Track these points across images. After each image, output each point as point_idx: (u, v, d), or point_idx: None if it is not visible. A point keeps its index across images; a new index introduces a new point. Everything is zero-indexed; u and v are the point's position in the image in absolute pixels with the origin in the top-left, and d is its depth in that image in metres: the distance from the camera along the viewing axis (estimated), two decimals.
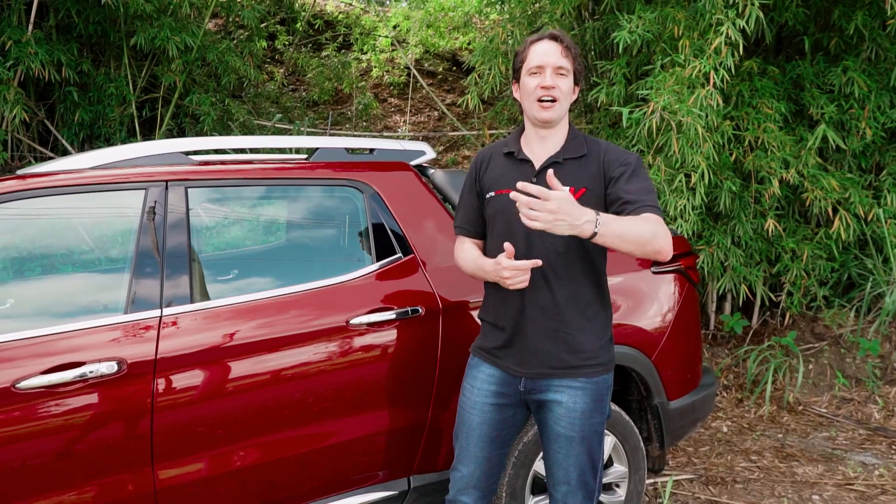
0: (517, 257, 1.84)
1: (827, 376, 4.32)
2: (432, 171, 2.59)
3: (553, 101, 1.84)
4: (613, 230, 1.61)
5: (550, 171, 1.60)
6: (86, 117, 5.11)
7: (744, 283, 4.36)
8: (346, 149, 2.41)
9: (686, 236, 3.82)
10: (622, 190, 1.79)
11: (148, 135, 5.57)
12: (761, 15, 3.58)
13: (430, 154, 2.57)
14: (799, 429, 3.93)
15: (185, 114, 5.76)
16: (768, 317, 4.78)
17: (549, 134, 1.91)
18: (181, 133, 5.85)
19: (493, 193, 1.94)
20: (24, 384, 1.74)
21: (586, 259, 1.86)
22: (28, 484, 1.75)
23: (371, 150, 2.47)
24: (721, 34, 3.50)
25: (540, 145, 1.92)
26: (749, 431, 3.90)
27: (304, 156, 2.45)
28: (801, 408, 4.15)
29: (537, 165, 1.90)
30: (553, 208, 1.52)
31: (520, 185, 1.57)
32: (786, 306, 4.49)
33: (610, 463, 2.58)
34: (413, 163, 2.52)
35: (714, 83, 3.53)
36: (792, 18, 4.17)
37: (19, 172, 2.06)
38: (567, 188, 1.81)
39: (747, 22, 3.52)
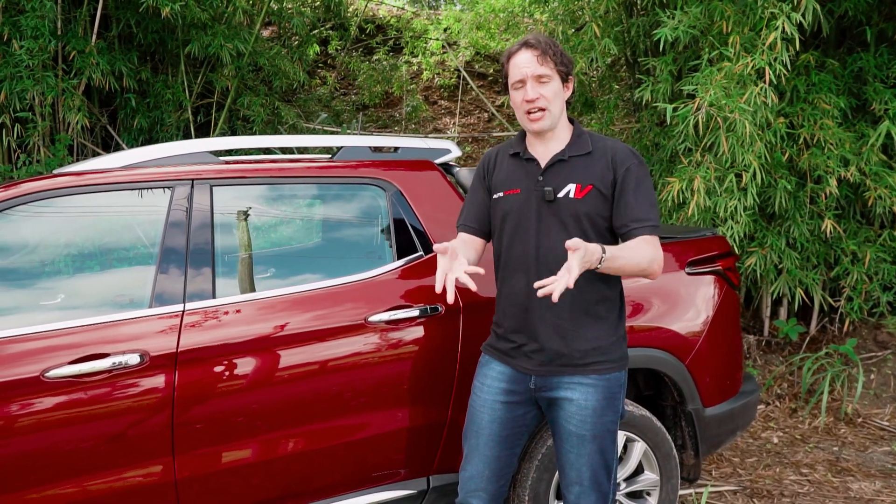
0: (525, 256, 1.86)
1: (890, 387, 4.06)
2: (457, 169, 2.58)
3: (541, 110, 1.83)
4: (614, 265, 1.70)
5: (571, 243, 1.58)
6: (144, 123, 5.34)
7: (800, 286, 4.15)
8: (370, 147, 2.43)
9: (737, 238, 3.66)
10: (629, 206, 1.81)
11: (203, 138, 5.77)
12: (818, 7, 3.40)
13: (456, 152, 2.56)
14: (857, 442, 3.70)
15: (237, 117, 5.94)
16: (827, 323, 4.53)
17: (550, 136, 1.90)
18: (234, 136, 6.04)
19: (501, 194, 1.94)
20: (52, 373, 1.83)
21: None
22: (52, 470, 1.84)
23: (396, 149, 2.48)
24: (776, 29, 3.33)
25: (544, 146, 1.92)
26: (802, 443, 3.70)
27: (329, 155, 2.48)
28: (860, 420, 3.91)
29: (543, 164, 1.89)
30: (576, 273, 1.57)
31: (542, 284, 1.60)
32: (845, 312, 4.24)
33: (640, 470, 2.50)
34: (438, 161, 2.51)
35: (770, 80, 3.38)
36: (853, 8, 3.94)
37: (55, 171, 2.17)
38: (574, 185, 1.80)
39: (803, 15, 3.35)
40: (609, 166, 1.84)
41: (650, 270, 1.80)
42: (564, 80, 1.87)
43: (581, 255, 1.57)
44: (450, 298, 1.61)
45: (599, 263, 1.66)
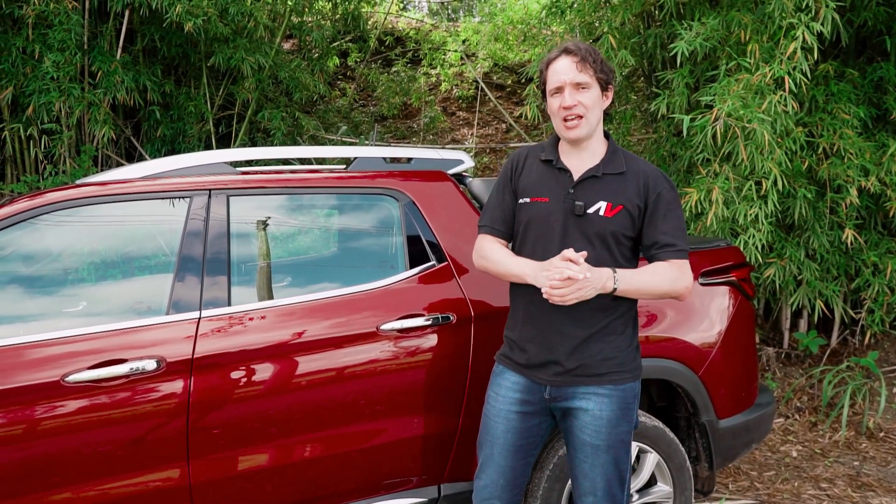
0: None
1: None
2: (470, 179, 2.61)
3: (578, 117, 1.81)
4: (631, 285, 1.79)
5: (571, 253, 1.74)
6: (167, 134, 5.45)
7: (820, 298, 4.09)
8: (384, 158, 2.46)
9: (759, 247, 3.63)
10: (658, 231, 1.83)
11: (224, 149, 5.86)
12: (837, 17, 3.38)
13: (469, 163, 2.58)
14: (878, 457, 3.63)
15: (257, 129, 6.04)
16: (848, 335, 4.46)
17: (584, 147, 1.89)
18: (254, 147, 6.13)
19: (528, 199, 1.92)
20: (71, 378, 1.88)
21: (615, 268, 1.83)
22: (70, 474, 1.88)
23: (409, 160, 2.51)
24: (796, 38, 3.32)
25: (577, 157, 1.91)
26: (821, 457, 3.65)
27: (343, 165, 2.52)
28: (881, 434, 3.84)
29: (576, 177, 1.88)
30: (585, 285, 1.71)
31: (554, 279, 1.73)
32: (867, 324, 4.17)
33: (653, 482, 2.48)
34: (451, 172, 2.54)
35: (789, 88, 3.36)
36: (872, 18, 3.91)
37: (77, 182, 2.23)
38: (605, 203, 1.80)
39: (822, 24, 3.33)
40: (640, 190, 1.84)
41: (675, 292, 1.84)
42: (604, 89, 1.85)
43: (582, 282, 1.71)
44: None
45: (615, 284, 1.75)
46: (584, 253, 1.74)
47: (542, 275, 1.75)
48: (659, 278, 1.81)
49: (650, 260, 1.86)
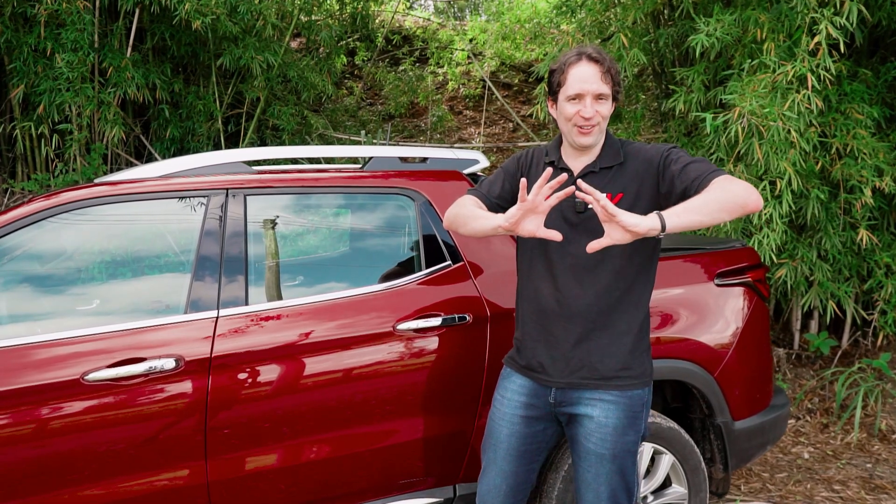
0: (552, 265, 1.85)
1: None
2: (484, 178, 2.60)
3: (592, 126, 1.79)
4: (681, 215, 1.57)
5: (586, 187, 1.59)
6: (176, 133, 5.46)
7: (831, 299, 4.07)
8: (399, 158, 2.46)
9: (773, 247, 3.61)
10: (679, 177, 1.72)
11: (233, 148, 5.87)
12: (864, 10, 3.35)
13: (484, 163, 2.58)
14: (891, 459, 3.62)
15: (266, 127, 6.04)
16: (859, 337, 4.45)
17: (587, 149, 1.88)
18: (263, 145, 6.13)
19: None
20: (91, 376, 1.88)
21: (623, 266, 1.81)
22: (90, 471, 1.89)
23: (424, 159, 2.51)
24: (820, 33, 3.29)
25: (580, 157, 1.89)
26: (834, 459, 3.63)
27: (359, 165, 2.52)
28: (894, 437, 3.82)
29: (576, 174, 1.87)
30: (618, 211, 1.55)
31: (581, 184, 1.59)
32: (879, 326, 4.15)
33: (668, 483, 2.48)
34: (466, 171, 2.53)
35: (812, 86, 3.33)
36: (886, 18, 3.89)
37: (96, 181, 2.23)
38: (604, 196, 1.78)
39: (847, 19, 3.30)
40: (641, 168, 1.81)
41: (740, 200, 1.61)
42: (614, 100, 1.84)
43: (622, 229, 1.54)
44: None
45: (661, 221, 1.55)
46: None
47: (512, 209, 1.66)
48: (708, 196, 1.59)
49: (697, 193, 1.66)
